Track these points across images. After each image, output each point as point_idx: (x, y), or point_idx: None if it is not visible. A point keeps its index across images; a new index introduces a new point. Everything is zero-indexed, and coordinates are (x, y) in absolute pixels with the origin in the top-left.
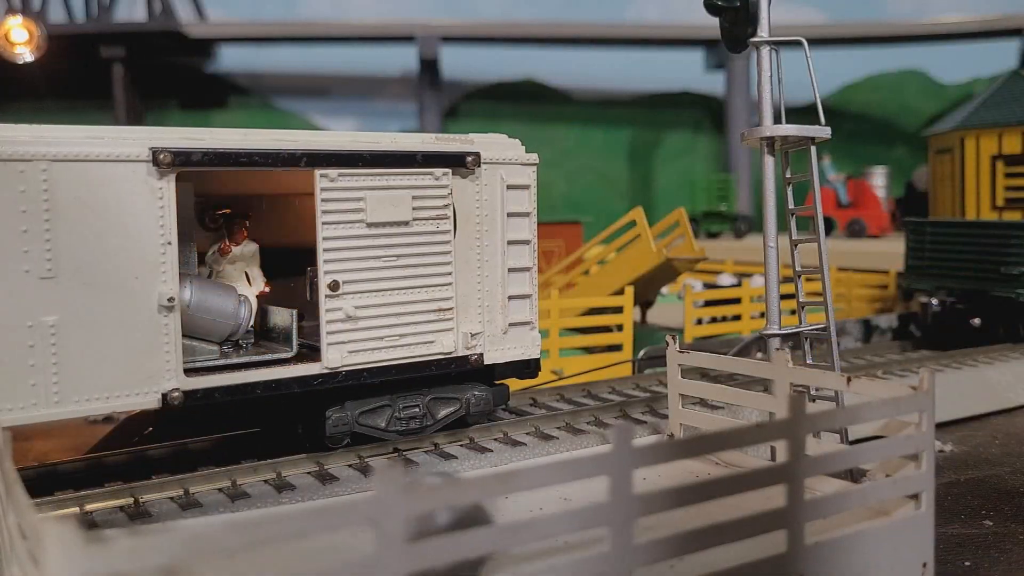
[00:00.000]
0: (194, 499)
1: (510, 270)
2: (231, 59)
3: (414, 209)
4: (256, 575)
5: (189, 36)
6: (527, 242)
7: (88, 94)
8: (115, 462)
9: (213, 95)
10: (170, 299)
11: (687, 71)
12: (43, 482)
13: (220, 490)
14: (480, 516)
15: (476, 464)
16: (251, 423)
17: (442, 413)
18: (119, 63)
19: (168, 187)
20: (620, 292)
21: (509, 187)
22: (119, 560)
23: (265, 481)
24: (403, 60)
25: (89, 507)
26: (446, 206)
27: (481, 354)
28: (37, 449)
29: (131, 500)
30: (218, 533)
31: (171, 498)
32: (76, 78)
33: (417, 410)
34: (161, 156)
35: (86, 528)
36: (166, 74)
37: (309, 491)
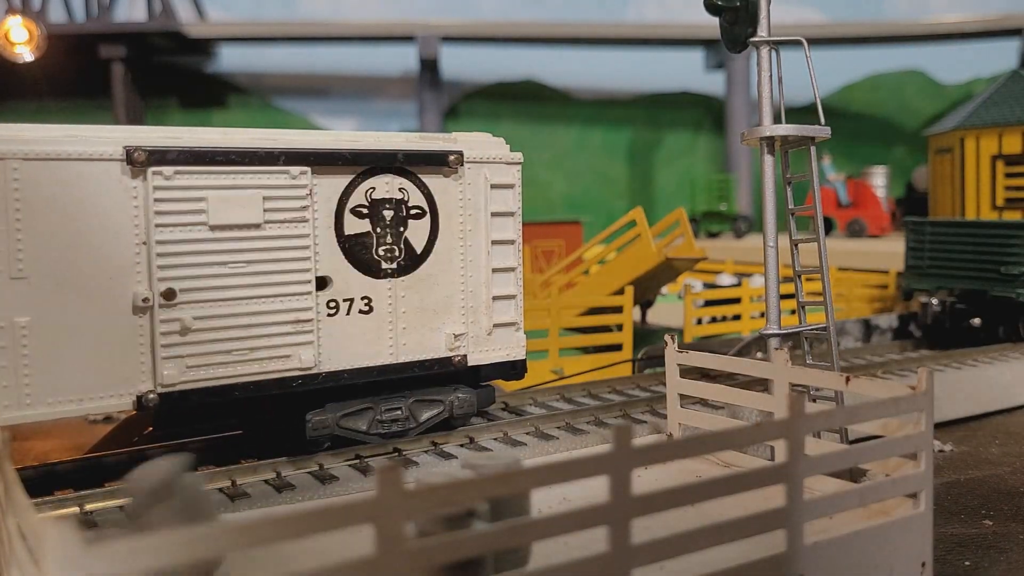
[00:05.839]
0: None
1: (494, 270)
2: (231, 59)
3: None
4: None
5: (189, 36)
6: (512, 242)
7: (88, 94)
8: (115, 462)
9: (213, 95)
10: (145, 299)
11: (687, 71)
12: (43, 482)
13: (220, 490)
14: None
15: None
16: (232, 424)
17: (425, 415)
18: (119, 63)
19: (143, 186)
20: (620, 292)
21: (493, 186)
22: (119, 560)
23: (265, 481)
24: (403, 60)
25: (89, 507)
26: (304, 207)
27: (465, 355)
28: (37, 449)
29: (131, 500)
30: (218, 533)
31: None
32: (76, 78)
33: (400, 412)
34: (135, 155)
35: (86, 528)
36: (166, 74)
37: (309, 491)
